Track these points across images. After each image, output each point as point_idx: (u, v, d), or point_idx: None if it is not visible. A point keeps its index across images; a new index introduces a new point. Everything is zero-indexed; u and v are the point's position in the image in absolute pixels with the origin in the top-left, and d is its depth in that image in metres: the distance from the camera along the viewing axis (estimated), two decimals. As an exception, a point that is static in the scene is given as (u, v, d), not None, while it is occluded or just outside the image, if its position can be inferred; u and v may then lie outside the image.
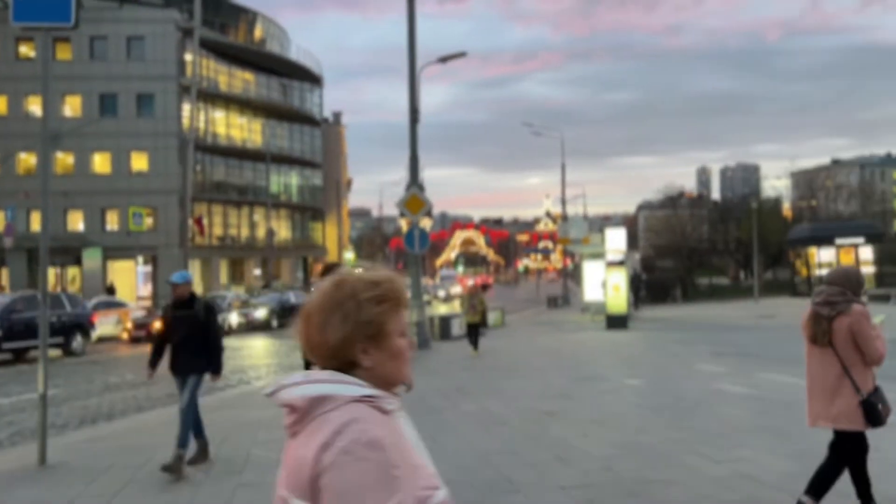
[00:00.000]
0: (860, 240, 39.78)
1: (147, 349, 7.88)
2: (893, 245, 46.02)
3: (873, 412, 4.26)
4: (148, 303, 39.58)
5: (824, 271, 39.52)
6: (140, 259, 39.90)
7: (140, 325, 23.78)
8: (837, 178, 79.18)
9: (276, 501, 1.46)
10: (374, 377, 1.47)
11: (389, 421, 1.44)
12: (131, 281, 42.19)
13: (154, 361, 6.97)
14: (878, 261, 41.29)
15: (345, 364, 1.47)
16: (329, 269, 5.40)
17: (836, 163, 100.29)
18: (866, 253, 40.11)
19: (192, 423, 6.60)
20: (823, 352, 4.35)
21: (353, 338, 1.45)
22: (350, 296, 1.47)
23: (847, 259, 39.69)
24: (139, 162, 43.85)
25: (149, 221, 39.60)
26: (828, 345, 4.32)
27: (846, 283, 4.44)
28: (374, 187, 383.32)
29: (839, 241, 39.43)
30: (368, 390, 1.43)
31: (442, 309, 32.09)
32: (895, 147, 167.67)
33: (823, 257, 39.69)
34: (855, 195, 63.29)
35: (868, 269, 40.02)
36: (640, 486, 5.53)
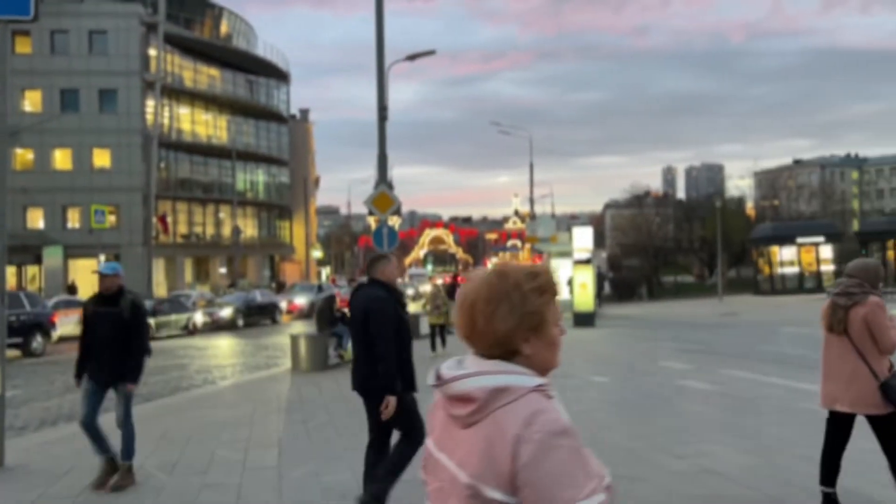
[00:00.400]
0: (820, 239, 40.65)
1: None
2: (852, 244, 47.06)
3: (893, 393, 4.45)
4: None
5: (786, 270, 40.43)
6: (102, 258, 39.06)
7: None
8: (799, 178, 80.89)
9: (456, 488, 1.48)
10: (531, 364, 1.53)
11: (559, 406, 1.51)
12: (93, 280, 41.27)
13: (81, 370, 6.09)
14: (838, 259, 42.22)
15: (506, 352, 1.52)
16: (375, 260, 5.14)
17: (797, 163, 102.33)
18: (826, 252, 41.00)
19: (134, 433, 6.02)
20: (840, 340, 4.58)
21: (518, 328, 1.51)
22: (514, 287, 1.53)
23: (807, 258, 40.56)
24: (101, 158, 43.06)
25: (111, 219, 38.86)
26: (843, 333, 4.54)
27: (864, 275, 4.64)
28: (342, 185, 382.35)
29: (800, 240, 40.26)
30: (539, 380, 1.50)
31: (411, 307, 32.09)
32: (855, 148, 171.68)
33: (785, 256, 40.49)
34: (816, 195, 64.68)
35: (827, 268, 40.95)
36: (605, 482, 5.58)
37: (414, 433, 4.76)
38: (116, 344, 5.86)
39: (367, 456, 4.99)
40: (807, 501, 4.93)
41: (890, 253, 37.99)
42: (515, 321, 1.51)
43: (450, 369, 1.56)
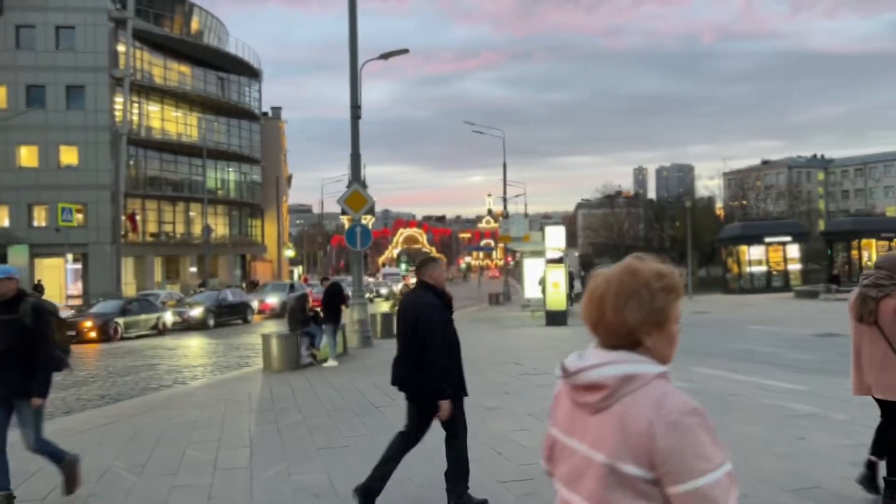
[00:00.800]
0: (787, 238, 41.34)
1: (77, 350, 7.49)
2: (819, 244, 47.94)
3: None
4: (78, 301, 38.29)
5: (754, 269, 41.04)
6: (69, 257, 38.48)
7: (69, 325, 22.95)
8: (767, 178, 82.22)
9: (591, 468, 1.61)
10: (651, 356, 1.67)
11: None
12: (60, 279, 40.68)
13: None
14: (804, 258, 42.97)
15: (629, 343, 1.67)
16: (424, 263, 5.25)
17: (765, 164, 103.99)
18: (793, 251, 41.70)
19: (54, 445, 5.67)
20: (870, 330, 4.70)
21: (644, 322, 1.65)
22: (644, 284, 1.66)
23: (775, 257, 41.22)
24: (68, 156, 42.35)
25: (79, 217, 38.23)
26: (873, 324, 4.66)
27: (893, 267, 4.75)
28: (314, 184, 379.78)
29: (768, 239, 40.89)
30: (662, 367, 1.66)
31: (384, 307, 31.97)
32: (821, 149, 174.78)
33: (753, 255, 41.09)
34: (783, 195, 65.75)
35: (794, 267, 41.66)
36: (578, 479, 5.62)
37: (460, 429, 5.01)
38: (18, 355, 5.21)
39: (392, 441, 5.10)
40: (778, 497, 5.00)
41: (854, 252, 38.72)
42: (643, 315, 1.65)
43: (574, 361, 1.70)
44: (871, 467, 4.92)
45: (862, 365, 4.79)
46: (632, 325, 1.65)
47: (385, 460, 5.01)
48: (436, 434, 7.37)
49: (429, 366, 4.80)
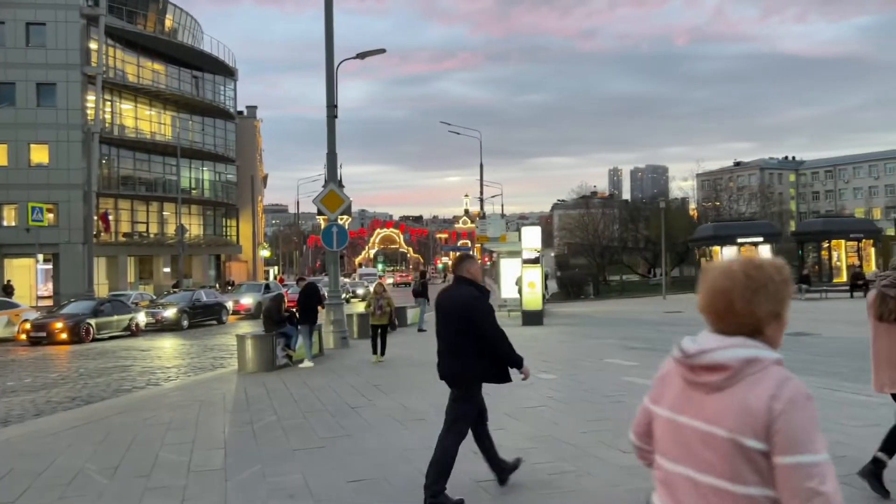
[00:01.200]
0: (759, 239, 41.90)
1: (47, 351, 7.37)
2: (790, 244, 48.66)
3: None
4: (49, 302, 37.70)
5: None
6: (40, 257, 37.88)
7: (39, 326, 22.60)
8: (739, 180, 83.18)
9: (712, 442, 1.74)
10: (766, 342, 1.81)
11: None
12: (30, 280, 40.03)
13: None
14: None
15: (751, 331, 1.80)
16: (462, 260, 5.52)
17: (738, 165, 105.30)
18: (765, 251, 42.20)
19: None
20: (889, 328, 4.84)
21: (769, 312, 1.81)
22: (770, 278, 1.82)
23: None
24: (39, 154, 41.68)
25: (50, 217, 37.68)
26: (893, 322, 4.81)
27: None
28: (290, 184, 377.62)
29: (740, 240, 41.42)
30: (777, 354, 1.80)
31: (360, 307, 31.87)
32: (792, 151, 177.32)
33: (726, 255, 41.52)
34: (755, 196, 66.52)
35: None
36: (553, 478, 5.66)
37: (464, 426, 5.21)
38: None
39: (439, 440, 5.21)
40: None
41: (824, 253, 39.37)
42: (770, 307, 1.81)
43: (693, 344, 1.84)
44: (876, 464, 4.98)
45: (881, 362, 4.92)
46: (759, 315, 1.80)
47: (483, 448, 5.46)
48: (414, 435, 7.38)
49: (497, 347, 5.12)
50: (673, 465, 1.85)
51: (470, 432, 5.32)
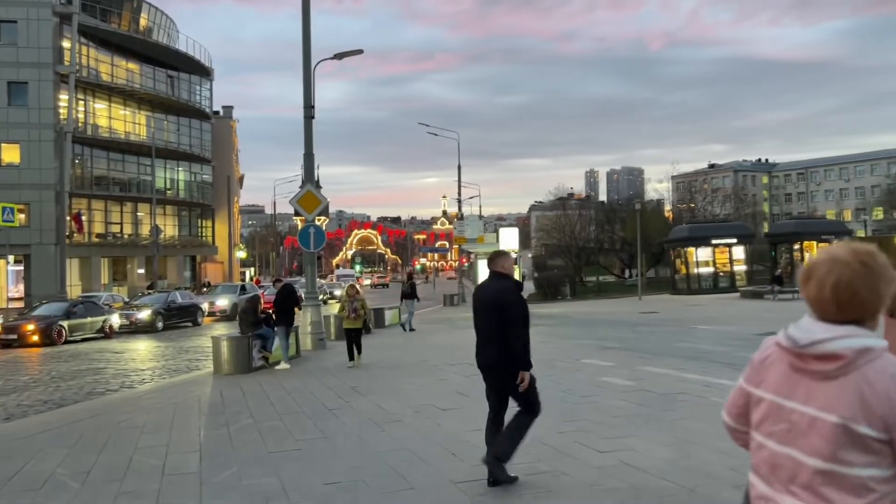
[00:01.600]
0: (733, 240, 42.43)
1: (19, 354, 7.22)
2: (763, 245, 49.28)
3: None
4: (20, 304, 37.08)
5: (702, 269, 42.00)
6: (11, 258, 37.25)
7: (10, 328, 22.23)
8: (714, 182, 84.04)
9: (821, 428, 1.77)
10: (871, 330, 1.84)
11: None
12: (1, 281, 39.38)
13: None
14: (749, 260, 44.15)
15: (859, 319, 1.83)
16: (496, 256, 5.77)
17: (712, 167, 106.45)
18: (739, 252, 42.81)
19: None
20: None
21: (884, 302, 1.85)
22: (884, 268, 1.85)
23: (721, 258, 42.23)
24: (10, 154, 41.03)
25: (21, 218, 37.01)
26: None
27: None
28: (267, 184, 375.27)
29: (715, 241, 41.92)
30: (885, 342, 1.81)
31: (337, 308, 31.79)
32: (766, 153, 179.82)
33: (701, 256, 42.05)
34: (729, 198, 67.27)
35: (740, 268, 42.74)
36: (530, 478, 5.68)
37: (536, 406, 5.63)
38: None
39: (487, 426, 5.67)
40: (723, 492, 5.12)
41: (797, 254, 39.92)
42: (887, 296, 1.85)
43: (801, 333, 1.86)
44: None
45: None
46: (879, 304, 1.84)
47: (490, 433, 5.64)
48: (391, 437, 7.36)
49: (515, 342, 5.38)
50: (780, 446, 1.87)
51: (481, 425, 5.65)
